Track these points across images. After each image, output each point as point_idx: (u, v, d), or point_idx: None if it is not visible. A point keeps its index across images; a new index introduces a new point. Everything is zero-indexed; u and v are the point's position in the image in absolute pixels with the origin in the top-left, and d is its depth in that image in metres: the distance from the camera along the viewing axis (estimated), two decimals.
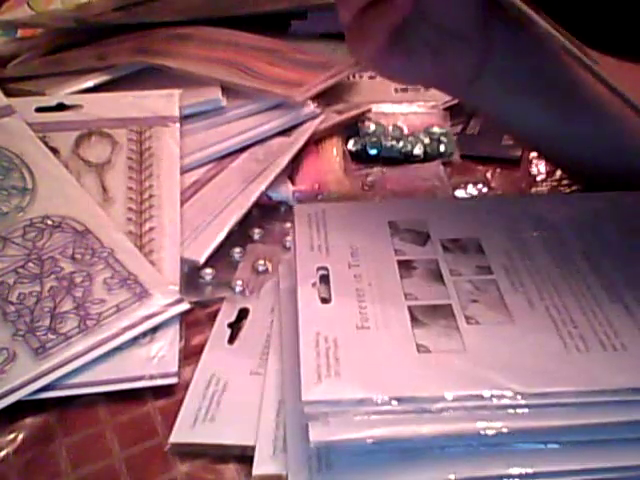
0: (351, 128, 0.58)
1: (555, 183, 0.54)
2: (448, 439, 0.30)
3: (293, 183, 0.51)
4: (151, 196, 0.48)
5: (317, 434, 0.29)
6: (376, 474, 0.30)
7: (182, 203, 0.48)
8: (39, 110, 0.53)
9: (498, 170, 0.52)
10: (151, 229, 0.46)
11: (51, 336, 0.39)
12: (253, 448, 0.33)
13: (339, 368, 0.31)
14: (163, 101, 0.54)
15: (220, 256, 0.46)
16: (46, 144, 0.50)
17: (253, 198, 0.49)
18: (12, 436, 0.36)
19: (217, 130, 0.54)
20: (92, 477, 0.34)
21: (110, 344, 0.39)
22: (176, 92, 0.54)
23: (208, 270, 0.45)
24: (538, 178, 0.55)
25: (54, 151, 0.50)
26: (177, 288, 0.42)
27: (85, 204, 0.46)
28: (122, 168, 0.49)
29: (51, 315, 0.40)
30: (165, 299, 0.41)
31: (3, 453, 0.36)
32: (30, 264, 0.42)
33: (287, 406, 0.34)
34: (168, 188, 0.48)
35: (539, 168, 0.56)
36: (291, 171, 0.53)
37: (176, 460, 0.34)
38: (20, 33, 0.72)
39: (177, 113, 0.53)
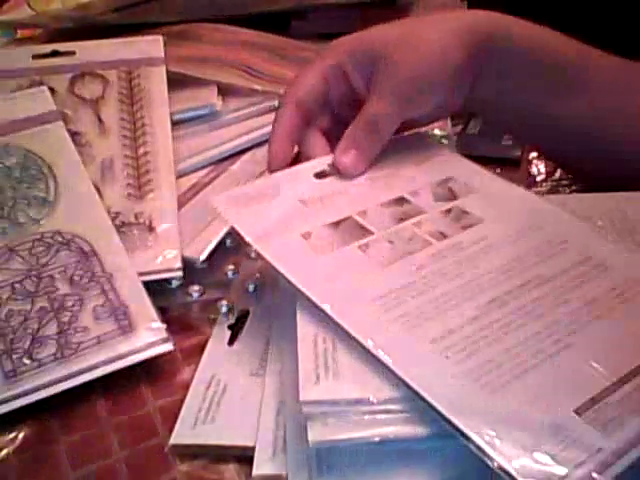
0: None
1: (554, 183, 0.54)
2: (447, 438, 0.30)
3: None
4: (144, 125, 0.51)
5: (316, 434, 0.29)
6: (376, 474, 0.30)
7: (182, 205, 0.48)
8: (36, 57, 0.55)
9: (498, 170, 0.52)
10: (146, 153, 0.50)
11: (25, 361, 0.38)
12: (253, 448, 0.33)
13: (337, 369, 0.31)
14: (150, 45, 0.57)
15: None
16: (42, 84, 0.52)
17: None
18: (12, 436, 0.36)
19: (216, 133, 0.54)
20: (92, 477, 0.34)
21: (85, 376, 0.38)
22: (160, 38, 0.57)
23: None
24: (538, 178, 0.55)
25: (51, 90, 0.52)
26: (164, 327, 0.40)
27: (99, 224, 0.45)
28: (114, 102, 0.53)
29: (32, 338, 0.39)
30: (150, 337, 0.39)
31: (3, 453, 0.36)
32: (28, 280, 0.41)
33: (287, 407, 0.34)
34: (158, 118, 0.52)
35: (539, 168, 0.56)
36: None
37: (176, 460, 0.34)
38: (20, 33, 0.72)
39: (162, 55, 0.56)
